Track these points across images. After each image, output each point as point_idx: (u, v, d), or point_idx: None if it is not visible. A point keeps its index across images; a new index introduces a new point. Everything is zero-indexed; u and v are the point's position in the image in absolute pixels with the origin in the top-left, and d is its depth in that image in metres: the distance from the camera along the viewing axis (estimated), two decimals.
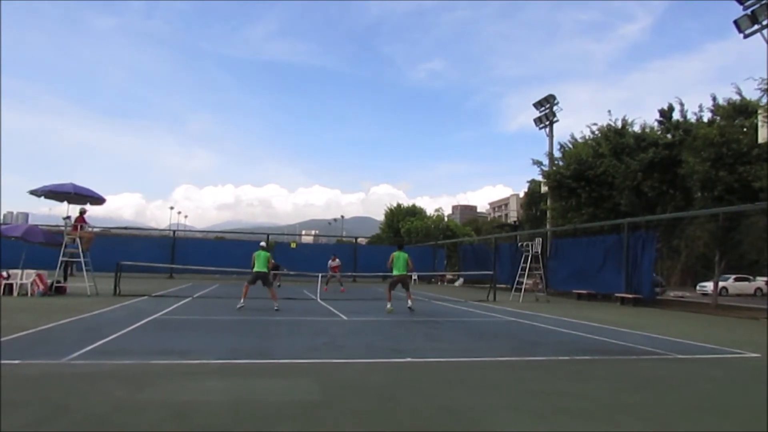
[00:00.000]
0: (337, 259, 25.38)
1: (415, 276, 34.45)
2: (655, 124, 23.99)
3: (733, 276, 32.38)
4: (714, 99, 20.48)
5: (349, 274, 30.15)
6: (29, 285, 15.32)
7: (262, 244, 15.28)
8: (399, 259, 14.22)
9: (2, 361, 5.84)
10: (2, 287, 15.07)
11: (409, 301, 14.03)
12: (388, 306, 13.82)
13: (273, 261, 24.92)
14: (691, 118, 22.28)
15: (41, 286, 15.51)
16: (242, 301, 13.55)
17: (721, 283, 25.46)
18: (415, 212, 57.06)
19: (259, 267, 13.95)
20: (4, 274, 15.44)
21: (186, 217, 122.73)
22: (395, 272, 14.21)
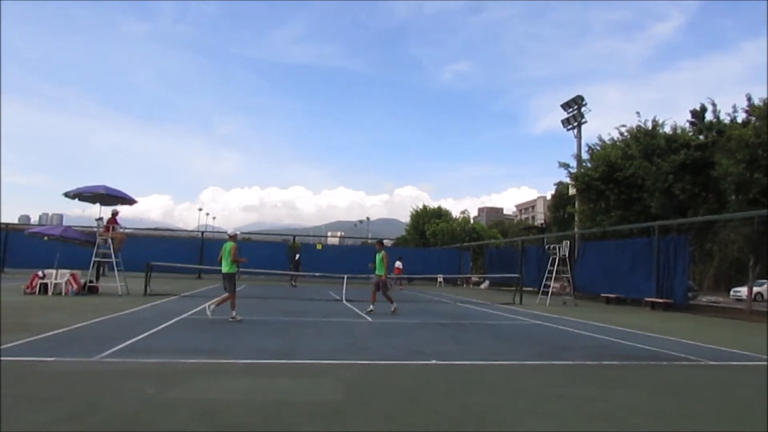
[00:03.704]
0: (400, 262, 28.34)
1: (440, 278, 34.41)
2: (687, 125, 23.46)
3: None
4: (749, 99, 19.94)
5: (372, 276, 30.27)
6: (63, 284, 15.74)
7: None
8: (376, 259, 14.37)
9: (37, 359, 6.01)
10: (38, 286, 15.53)
11: (371, 306, 14.03)
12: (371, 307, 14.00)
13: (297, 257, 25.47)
14: (725, 118, 21.73)
15: (75, 286, 15.92)
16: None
17: (755, 289, 24.78)
18: (440, 214, 56.88)
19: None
20: (40, 273, 15.90)
21: (214, 218, 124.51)
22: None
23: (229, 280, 11.35)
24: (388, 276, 27.41)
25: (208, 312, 10.89)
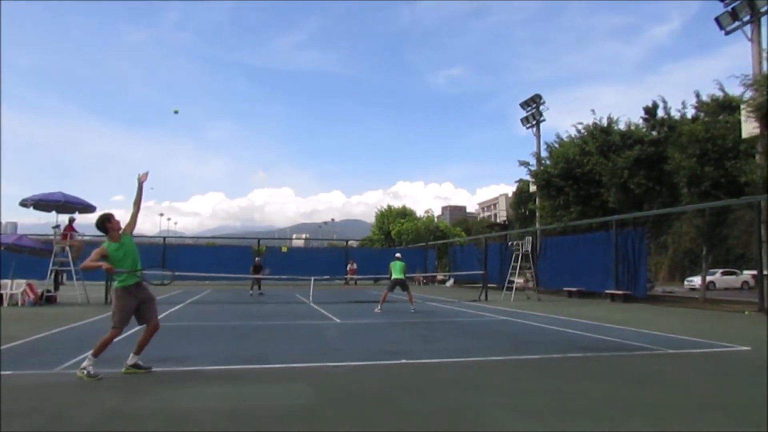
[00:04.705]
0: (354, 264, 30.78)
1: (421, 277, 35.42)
2: (640, 121, 24.21)
3: (720, 270, 32.72)
4: (697, 96, 20.69)
5: (338, 277, 30.30)
6: (19, 295, 15.20)
7: (398, 255, 15.98)
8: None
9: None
10: None
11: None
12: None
13: (258, 261, 25.07)
14: (675, 115, 22.52)
15: (32, 296, 15.40)
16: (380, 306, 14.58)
17: (708, 278, 25.73)
18: (405, 214, 57.17)
19: (396, 274, 14.95)
20: None
21: (176, 223, 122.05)
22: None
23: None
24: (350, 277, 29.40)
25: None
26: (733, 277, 33.43)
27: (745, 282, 32.93)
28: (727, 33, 20.19)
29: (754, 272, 30.88)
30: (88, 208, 17.10)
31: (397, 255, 15.83)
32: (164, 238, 39.46)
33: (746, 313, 14.91)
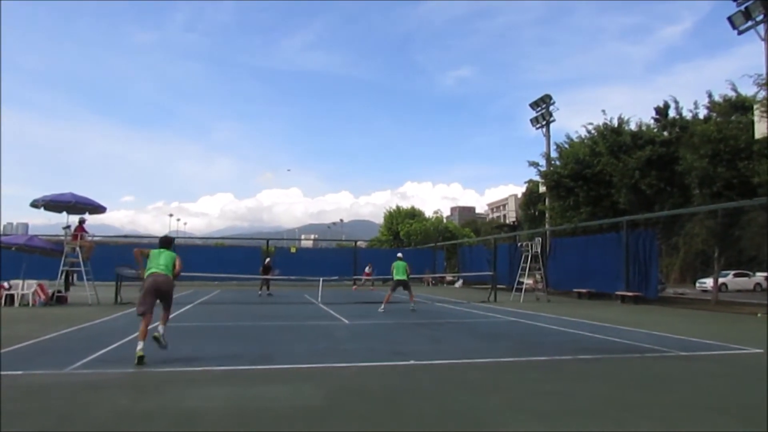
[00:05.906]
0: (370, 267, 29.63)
1: (430, 278, 35.04)
2: (652, 121, 24.04)
3: (733, 272, 32.37)
4: (710, 96, 20.52)
5: (347, 278, 30.30)
6: (30, 295, 15.32)
7: (399, 255, 16.15)
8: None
9: (4, 372, 5.84)
10: (3, 298, 15.08)
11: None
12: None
13: (268, 261, 25.10)
14: (687, 115, 22.34)
15: (42, 296, 15.51)
16: (383, 306, 14.71)
17: (720, 279, 25.48)
18: (414, 215, 57.12)
19: (398, 275, 15.04)
20: (6, 284, 15.45)
21: (185, 224, 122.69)
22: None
23: None
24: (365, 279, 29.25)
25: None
26: (746, 278, 33.07)
27: (758, 284, 32.58)
28: (740, 33, 20.02)
29: (767, 274, 30.69)
30: (98, 209, 17.22)
31: (399, 255, 15.88)
32: (174, 238, 39.60)
33: (759, 315, 14.73)
